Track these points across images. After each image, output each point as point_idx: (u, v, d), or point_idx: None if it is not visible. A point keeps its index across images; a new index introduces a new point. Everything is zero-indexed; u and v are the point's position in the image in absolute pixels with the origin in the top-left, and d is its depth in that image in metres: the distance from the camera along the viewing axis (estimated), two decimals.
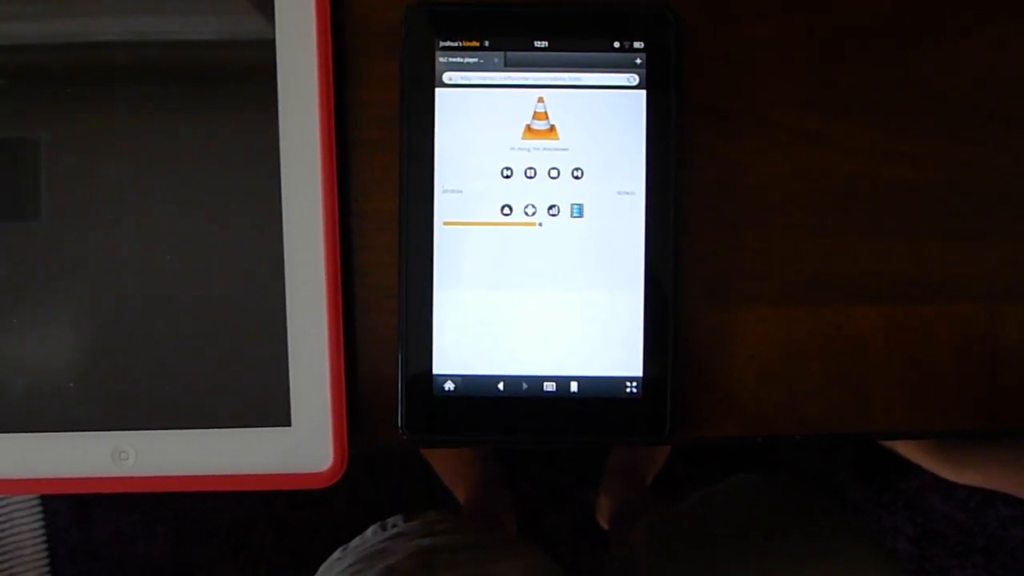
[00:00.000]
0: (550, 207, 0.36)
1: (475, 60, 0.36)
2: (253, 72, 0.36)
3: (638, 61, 0.36)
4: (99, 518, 1.07)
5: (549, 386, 0.36)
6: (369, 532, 0.63)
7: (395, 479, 1.08)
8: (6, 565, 1.04)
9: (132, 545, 1.07)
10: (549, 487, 1.06)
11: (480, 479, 1.00)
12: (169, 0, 0.36)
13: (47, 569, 1.07)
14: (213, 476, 0.36)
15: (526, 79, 0.36)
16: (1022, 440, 0.88)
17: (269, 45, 0.35)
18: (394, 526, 0.63)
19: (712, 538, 0.59)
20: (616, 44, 0.36)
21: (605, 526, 0.99)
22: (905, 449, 0.97)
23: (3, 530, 1.03)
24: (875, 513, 1.04)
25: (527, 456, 1.06)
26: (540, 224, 0.36)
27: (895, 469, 1.03)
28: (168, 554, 1.08)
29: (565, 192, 0.36)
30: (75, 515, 1.07)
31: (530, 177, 0.36)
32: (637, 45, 0.36)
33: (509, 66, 0.36)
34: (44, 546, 1.07)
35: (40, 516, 1.07)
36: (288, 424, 0.36)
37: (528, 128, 0.36)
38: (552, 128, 0.36)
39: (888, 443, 0.98)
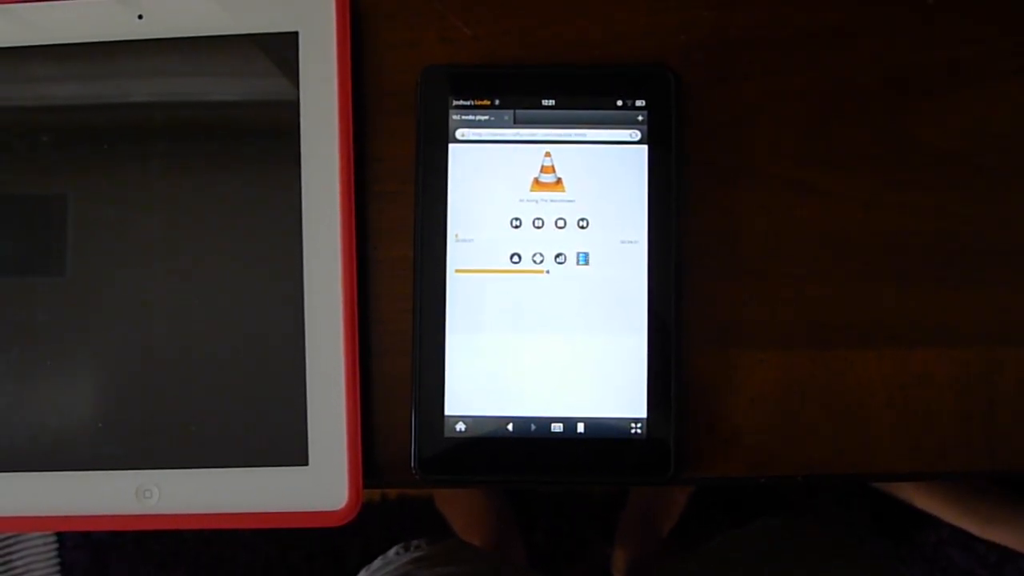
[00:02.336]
0: (557, 255, 0.38)
1: (486, 117, 0.38)
2: (278, 129, 0.38)
3: (640, 118, 0.38)
4: (116, 569, 1.08)
5: (556, 427, 0.38)
6: (392, 552, 0.63)
7: (410, 531, 1.08)
8: None
9: None
10: (563, 539, 1.06)
11: (495, 534, 1.00)
12: (199, 62, 0.39)
13: None
14: (233, 514, 0.38)
15: (534, 135, 0.38)
16: None
17: (293, 105, 0.38)
18: (417, 547, 0.63)
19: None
20: (619, 102, 0.38)
21: None
22: (925, 503, 0.97)
23: None
24: (892, 568, 1.03)
25: (540, 507, 1.06)
26: (548, 271, 0.38)
27: (912, 522, 1.02)
28: None
29: (571, 241, 0.38)
30: (92, 565, 1.08)
31: (538, 227, 0.38)
32: (639, 103, 0.38)
33: (518, 123, 0.38)
34: None
35: (57, 567, 1.07)
36: (306, 464, 0.38)
37: (536, 181, 0.38)
38: (559, 181, 0.38)
39: (906, 497, 0.98)
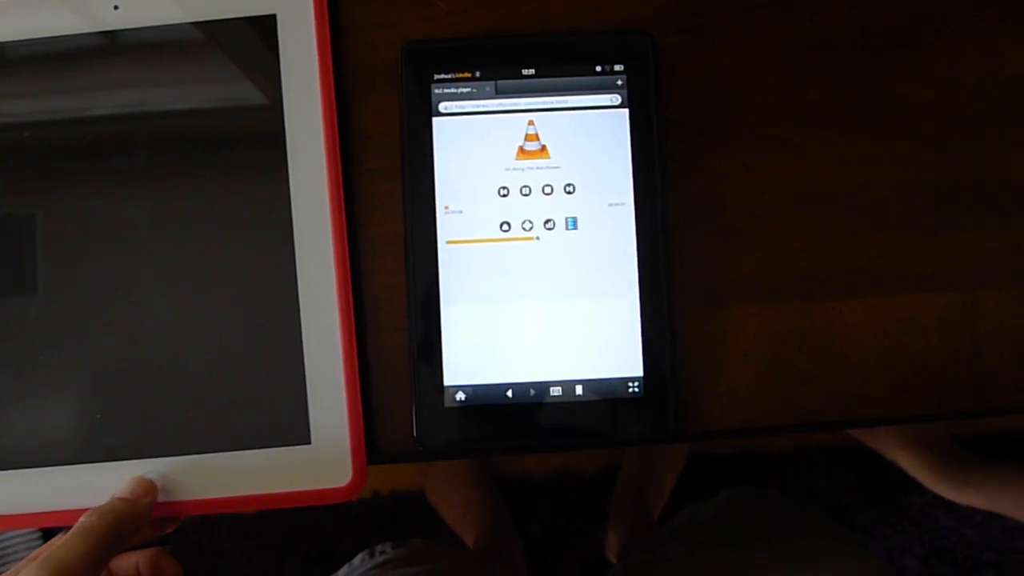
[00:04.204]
0: (546, 221, 0.38)
1: (468, 90, 0.39)
2: (261, 113, 0.38)
3: (619, 83, 0.39)
4: None
5: (555, 390, 0.38)
6: (357, 560, 0.63)
7: (403, 527, 1.08)
8: None
9: None
10: (558, 529, 1.06)
11: (488, 524, 1.00)
12: (178, 52, 0.39)
13: None
14: (239, 497, 0.38)
15: (516, 104, 0.39)
16: (1021, 463, 0.89)
17: (275, 89, 0.38)
18: (382, 552, 0.63)
19: (700, 546, 0.60)
20: (598, 68, 0.39)
21: (614, 560, 1.00)
22: (908, 465, 0.99)
23: None
24: (882, 533, 1.04)
25: (534, 501, 1.07)
26: (538, 238, 0.38)
27: (899, 488, 1.04)
28: None
29: (559, 207, 0.38)
30: None
31: (525, 195, 0.38)
32: (617, 68, 0.39)
33: (500, 93, 0.39)
34: None
35: None
36: (308, 442, 0.38)
37: (521, 149, 0.39)
38: (543, 148, 0.39)
39: (891, 456, 0.99)
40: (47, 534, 1.05)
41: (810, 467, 1.07)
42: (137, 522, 0.34)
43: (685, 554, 0.59)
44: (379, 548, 0.64)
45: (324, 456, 0.38)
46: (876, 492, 1.05)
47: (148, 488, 0.36)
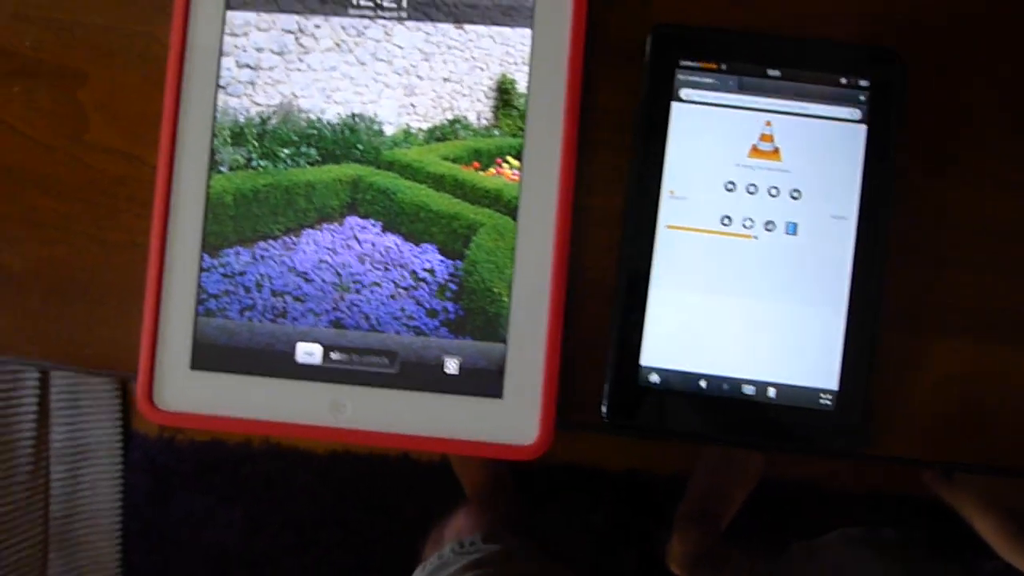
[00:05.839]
0: (767, 223, 0.39)
1: (711, 80, 0.39)
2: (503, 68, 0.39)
3: (862, 98, 0.39)
4: (177, 498, 1.10)
5: (748, 389, 0.38)
6: (448, 551, 0.63)
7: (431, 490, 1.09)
8: (82, 531, 1.06)
9: (205, 529, 1.10)
10: (622, 523, 1.07)
11: (487, 470, 1.01)
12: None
13: (119, 543, 1.10)
14: (422, 436, 0.39)
15: (757, 103, 0.39)
16: None
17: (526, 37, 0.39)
18: (472, 544, 0.63)
19: None
20: (843, 80, 0.39)
21: (677, 571, 1.00)
22: (983, 527, 0.97)
23: (84, 497, 1.06)
24: None
25: (602, 490, 1.07)
26: (756, 237, 0.39)
27: (970, 549, 1.02)
28: (238, 542, 1.10)
29: (782, 210, 0.39)
30: (153, 492, 1.10)
31: (751, 193, 0.39)
32: (862, 83, 0.39)
33: (742, 90, 0.39)
34: (119, 518, 1.09)
35: (120, 488, 1.10)
36: (500, 396, 0.39)
37: (754, 148, 0.39)
38: (776, 150, 0.39)
39: (967, 516, 0.98)
40: (126, 462, 1.09)
41: (879, 512, 1.06)
42: None
43: None
44: (468, 540, 0.64)
45: (513, 413, 0.38)
46: (945, 549, 1.04)
47: None
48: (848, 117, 0.39)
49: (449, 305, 0.39)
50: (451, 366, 0.39)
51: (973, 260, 0.40)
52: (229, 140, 0.40)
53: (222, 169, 0.39)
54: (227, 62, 0.40)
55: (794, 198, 0.39)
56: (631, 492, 1.08)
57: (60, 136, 0.42)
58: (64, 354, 0.41)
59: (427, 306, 0.39)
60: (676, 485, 1.07)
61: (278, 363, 0.39)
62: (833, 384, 0.38)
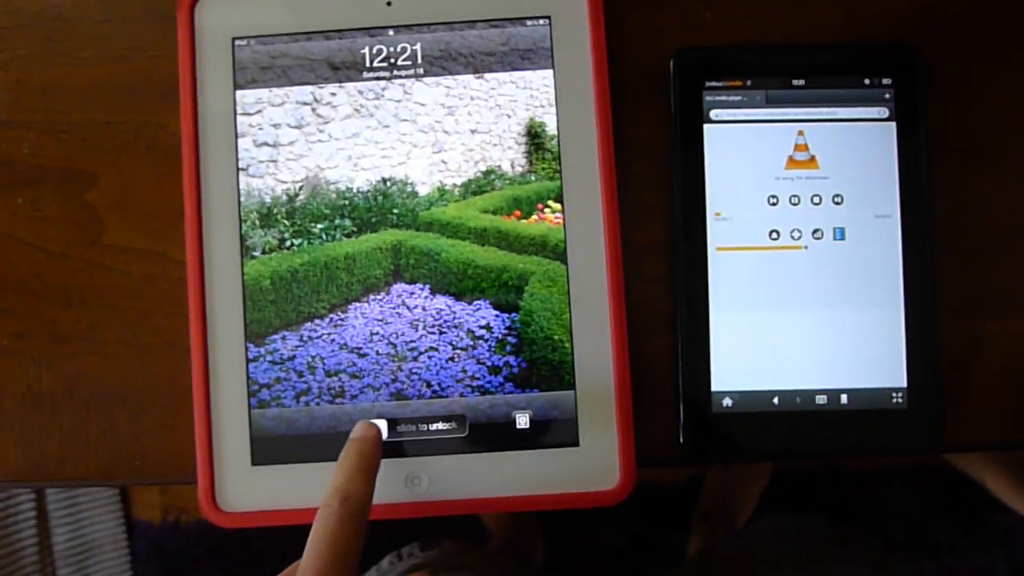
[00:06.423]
0: (814, 231, 0.39)
1: (739, 98, 0.39)
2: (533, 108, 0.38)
3: (887, 96, 0.39)
4: None
5: (821, 399, 0.38)
6: (385, 563, 0.61)
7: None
8: None
9: None
10: (641, 537, 1.06)
11: (510, 517, 0.99)
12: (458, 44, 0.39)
13: None
14: (504, 498, 0.38)
15: (786, 114, 0.39)
16: None
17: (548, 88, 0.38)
18: (410, 555, 0.62)
19: (740, 570, 0.60)
20: (866, 81, 0.39)
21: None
22: (993, 484, 0.99)
23: None
24: (967, 553, 1.05)
25: (620, 505, 1.07)
26: (806, 247, 0.39)
27: (985, 508, 1.04)
28: None
29: (827, 217, 0.39)
30: None
31: (795, 204, 0.39)
32: (885, 81, 0.39)
33: (770, 103, 0.39)
34: None
35: None
36: (576, 444, 0.38)
37: (790, 159, 0.39)
38: (812, 159, 0.39)
39: (976, 476, 0.99)
40: (133, 553, 1.04)
41: (898, 485, 1.07)
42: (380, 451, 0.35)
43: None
44: (406, 550, 0.63)
45: (592, 459, 0.38)
46: (961, 512, 1.05)
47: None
48: (877, 116, 0.39)
49: (511, 359, 0.38)
50: (522, 421, 0.38)
51: (1013, 244, 0.40)
52: (258, 223, 0.38)
53: (255, 254, 0.38)
54: (244, 143, 0.38)
55: (836, 203, 0.39)
56: (646, 504, 1.07)
57: (74, 243, 0.40)
58: (111, 472, 0.39)
59: (489, 363, 0.38)
60: (691, 490, 1.07)
61: (343, 446, 0.38)
62: (902, 382, 0.38)
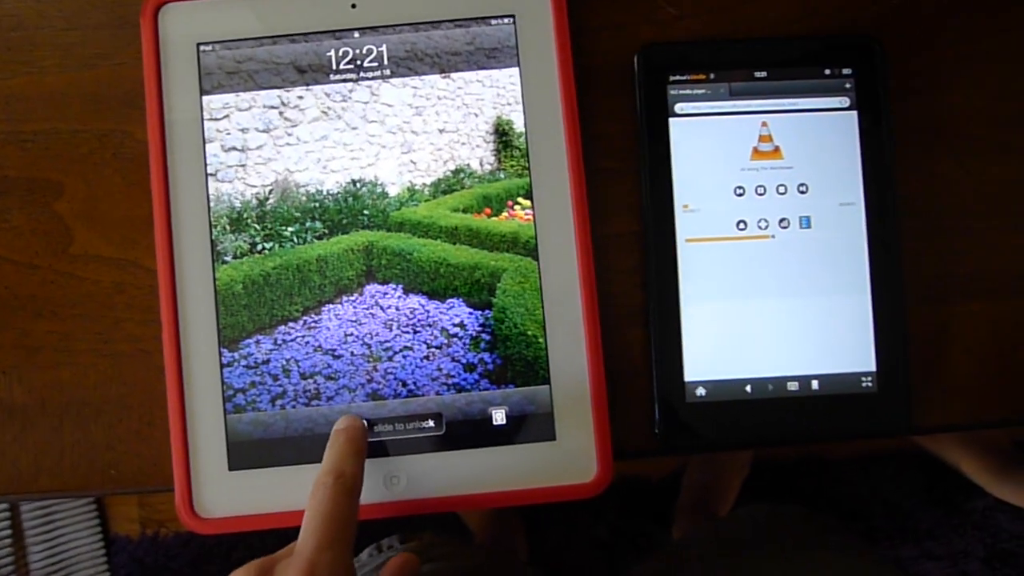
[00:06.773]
0: (781, 220, 0.39)
1: (703, 91, 0.39)
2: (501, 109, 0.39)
3: (847, 85, 0.40)
4: None
5: (792, 386, 0.39)
6: (364, 555, 0.62)
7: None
8: None
9: None
10: (625, 532, 1.07)
11: (492, 512, 0.99)
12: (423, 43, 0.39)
13: None
14: (482, 494, 0.38)
15: (750, 106, 0.39)
16: None
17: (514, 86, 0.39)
18: (390, 547, 0.62)
19: (714, 558, 0.60)
20: (827, 71, 0.40)
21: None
22: (968, 468, 1.00)
23: None
24: (946, 536, 1.06)
25: (602, 502, 1.07)
26: (773, 236, 0.39)
27: (962, 491, 1.05)
28: None
29: (793, 206, 0.39)
30: None
31: (760, 194, 0.39)
32: (846, 71, 0.40)
33: (734, 95, 0.39)
34: None
35: None
36: (553, 439, 0.38)
37: (755, 150, 0.39)
38: (777, 149, 0.39)
39: (951, 460, 1.01)
40: (111, 567, 1.03)
41: (876, 472, 1.08)
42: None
43: (698, 566, 0.60)
44: (386, 542, 0.63)
45: (569, 452, 0.38)
46: (940, 496, 1.07)
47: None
48: (838, 106, 0.40)
49: (486, 356, 0.38)
50: (498, 417, 0.38)
51: (976, 225, 0.41)
52: (229, 228, 0.38)
53: (227, 259, 0.38)
54: (212, 148, 0.38)
55: (802, 192, 0.39)
56: (629, 500, 1.08)
57: (43, 253, 0.40)
58: (87, 482, 0.39)
59: (463, 361, 0.38)
60: (672, 484, 1.08)
61: (320, 447, 0.37)
62: (871, 366, 0.39)
